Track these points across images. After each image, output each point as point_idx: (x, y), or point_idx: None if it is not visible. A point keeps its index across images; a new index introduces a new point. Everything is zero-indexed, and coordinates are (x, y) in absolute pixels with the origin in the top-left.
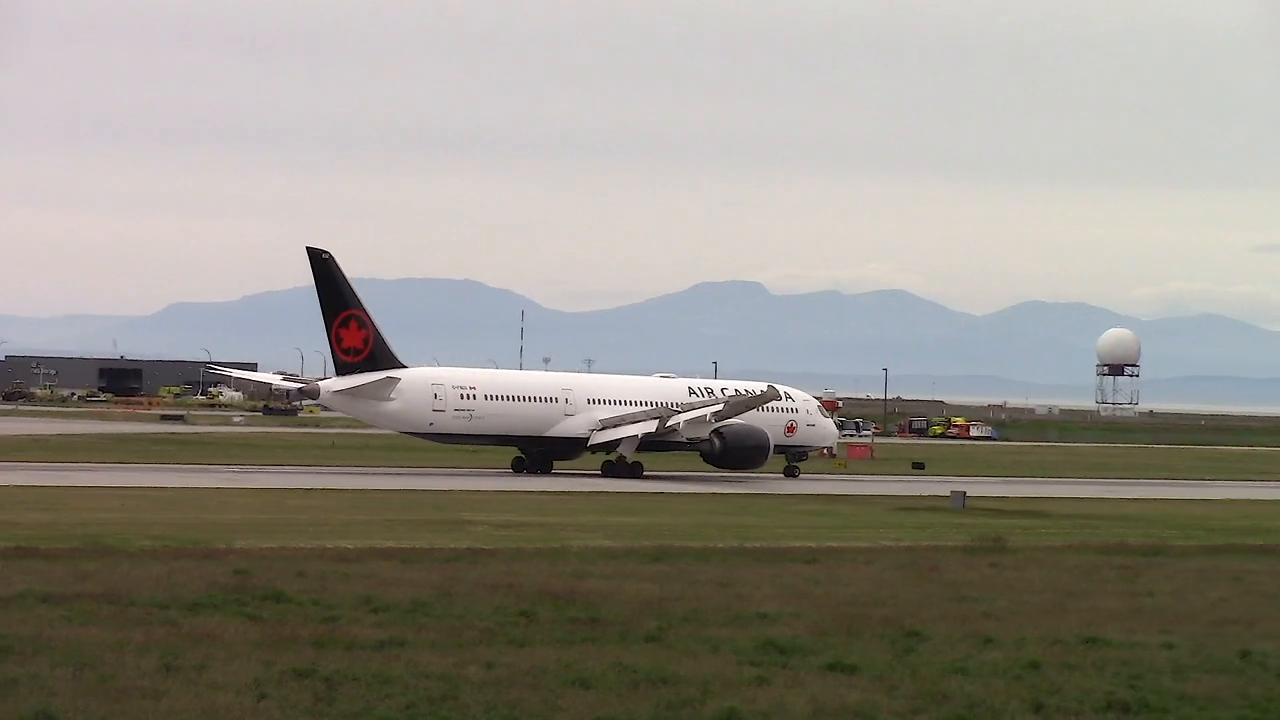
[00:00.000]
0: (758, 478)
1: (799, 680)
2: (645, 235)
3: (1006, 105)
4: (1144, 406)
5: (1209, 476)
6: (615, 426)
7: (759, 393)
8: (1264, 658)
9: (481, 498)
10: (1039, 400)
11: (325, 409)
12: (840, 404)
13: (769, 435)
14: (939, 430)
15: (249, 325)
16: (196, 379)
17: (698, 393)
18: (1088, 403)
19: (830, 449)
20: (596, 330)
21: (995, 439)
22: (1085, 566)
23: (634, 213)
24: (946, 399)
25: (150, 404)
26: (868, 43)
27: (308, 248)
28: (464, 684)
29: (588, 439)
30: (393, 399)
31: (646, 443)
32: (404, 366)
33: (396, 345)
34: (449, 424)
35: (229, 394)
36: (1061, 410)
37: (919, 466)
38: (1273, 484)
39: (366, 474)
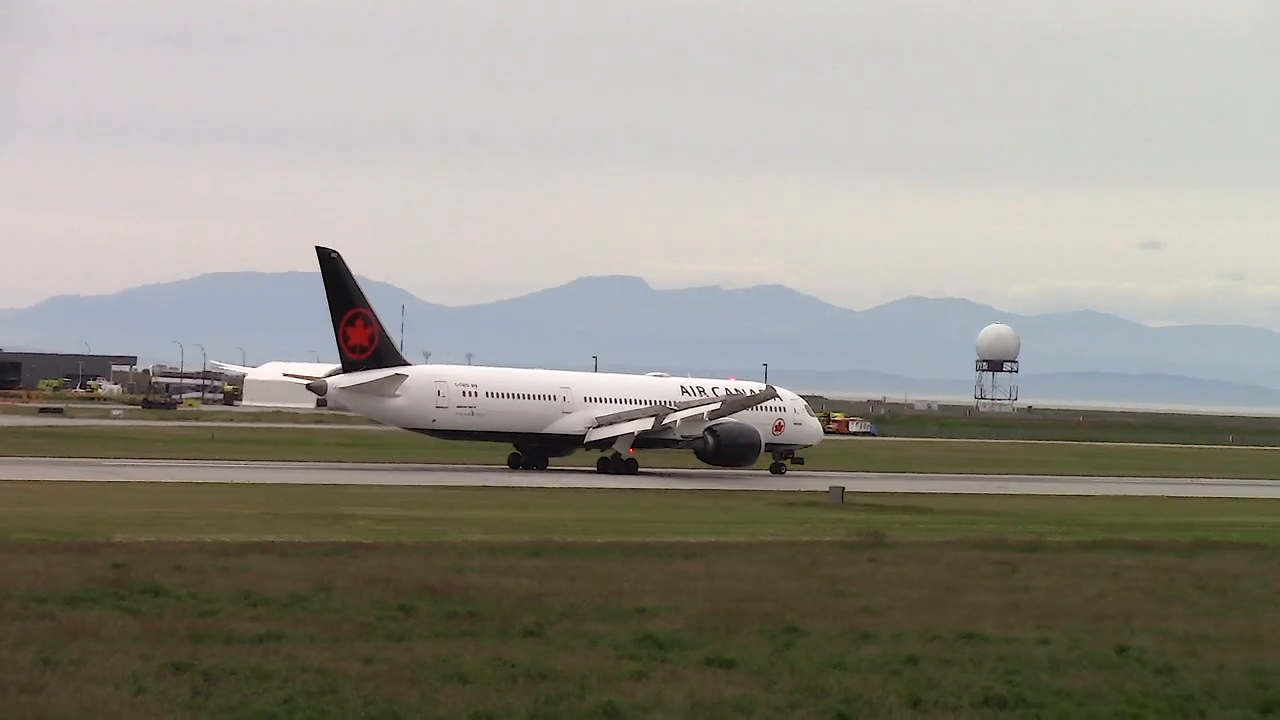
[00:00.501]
0: (748, 474)
1: (677, 675)
2: (526, 229)
3: (887, 100)
4: (1023, 402)
5: (1087, 472)
6: (612, 424)
7: (752, 392)
8: (1141, 653)
9: (364, 492)
10: (918, 396)
11: (331, 406)
12: None
13: (760, 434)
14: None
15: (129, 319)
16: (75, 372)
17: (690, 391)
18: (967, 398)
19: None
20: (478, 324)
21: (874, 434)
22: (963, 562)
23: (515, 207)
24: (826, 394)
25: (29, 397)
26: (747, 36)
27: (317, 247)
28: (342, 678)
29: (584, 436)
30: (398, 396)
31: (641, 440)
32: (408, 364)
33: (280, 338)
34: (451, 420)
35: (108, 387)
36: (941, 406)
37: (798, 462)
38: (1150, 480)
39: (248, 468)
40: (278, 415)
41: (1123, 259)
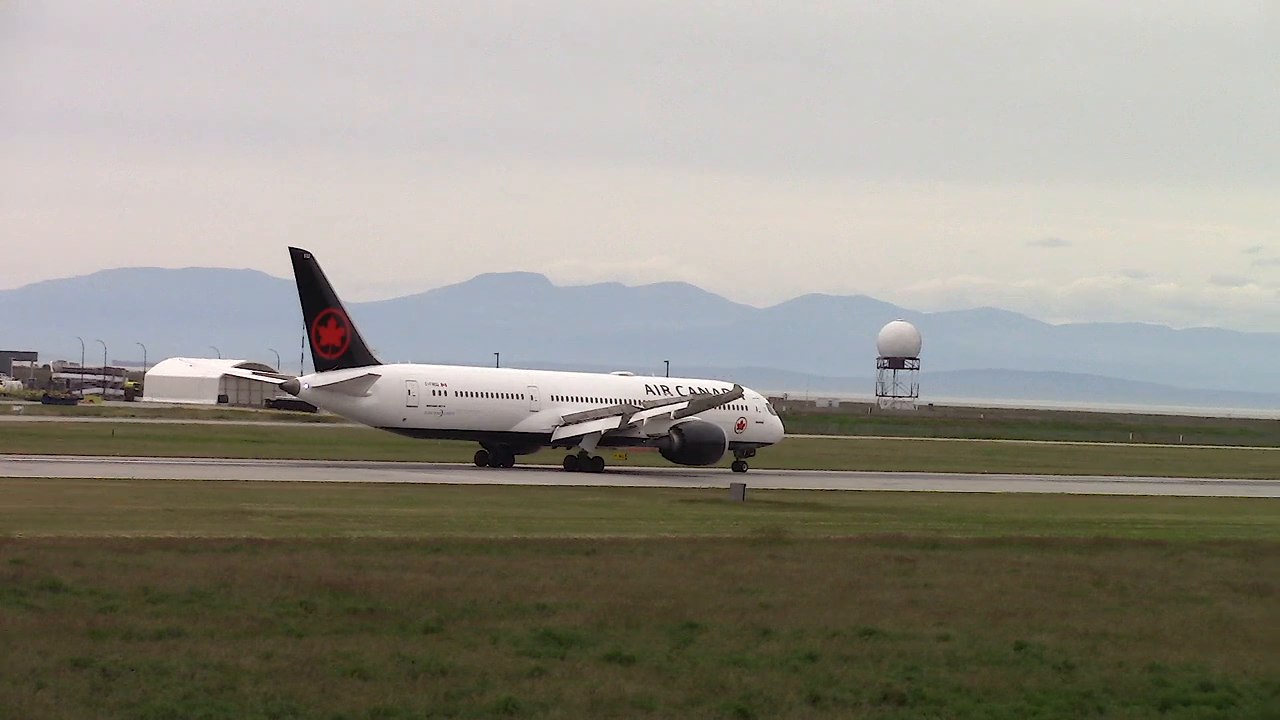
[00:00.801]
0: (710, 473)
1: (577, 671)
2: (428, 226)
3: (791, 98)
4: (924, 400)
5: (987, 470)
6: (578, 423)
7: (718, 391)
8: (1040, 650)
9: (265, 488)
10: (820, 393)
11: (305, 404)
12: None
13: (725, 432)
14: None
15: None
16: None
17: (655, 390)
18: (868, 396)
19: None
20: (379, 321)
21: None
22: (863, 559)
23: (417, 203)
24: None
25: None
26: (649, 36)
27: (290, 248)
28: (242, 674)
29: (551, 434)
30: (369, 395)
31: (608, 438)
32: (379, 363)
33: (179, 334)
34: (421, 419)
35: (8, 383)
36: (842, 403)
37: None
38: (1050, 477)
39: (149, 464)
40: (178, 411)
41: (1023, 257)
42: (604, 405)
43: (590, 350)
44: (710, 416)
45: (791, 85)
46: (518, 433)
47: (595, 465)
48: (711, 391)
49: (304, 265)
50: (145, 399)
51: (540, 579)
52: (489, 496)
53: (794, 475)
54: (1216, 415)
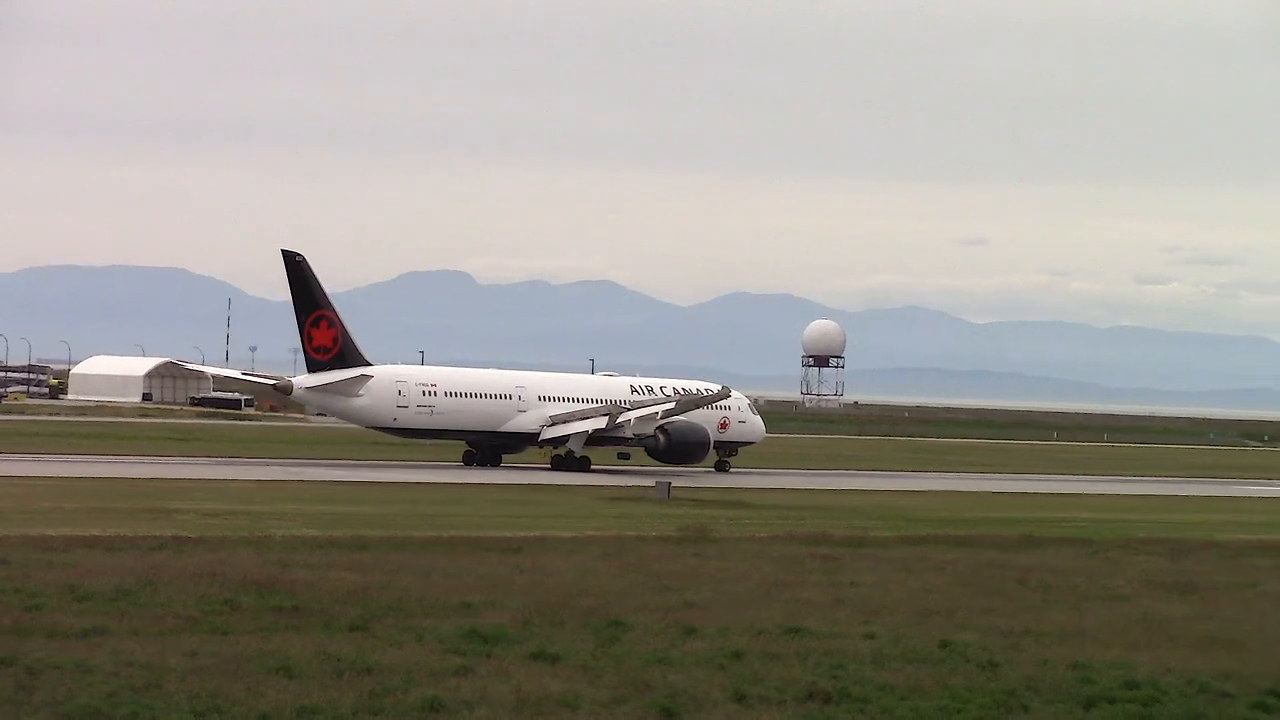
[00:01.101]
0: (694, 472)
1: (503, 669)
2: (353, 224)
3: (718, 97)
4: (849, 398)
5: (913, 468)
6: (565, 423)
7: (701, 391)
8: (964, 648)
9: (190, 486)
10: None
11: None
12: None
13: (710, 432)
14: None
15: None
16: None
17: (639, 390)
18: (793, 394)
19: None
20: None
21: None
22: (789, 557)
23: (342, 201)
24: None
25: None
26: (573, 34)
27: (282, 250)
28: (167, 672)
29: (539, 434)
30: (361, 395)
31: (594, 437)
32: (369, 364)
33: (104, 332)
34: (412, 419)
35: None
36: (767, 401)
37: (624, 457)
38: (975, 475)
39: (74, 462)
40: (102, 409)
41: (947, 255)
42: (591, 405)
43: (515, 348)
44: (694, 416)
45: (716, 83)
46: (506, 432)
47: (582, 464)
48: (695, 392)
49: (295, 267)
50: (70, 397)
51: (465, 577)
52: (413, 494)
53: (718, 473)
54: (1140, 413)
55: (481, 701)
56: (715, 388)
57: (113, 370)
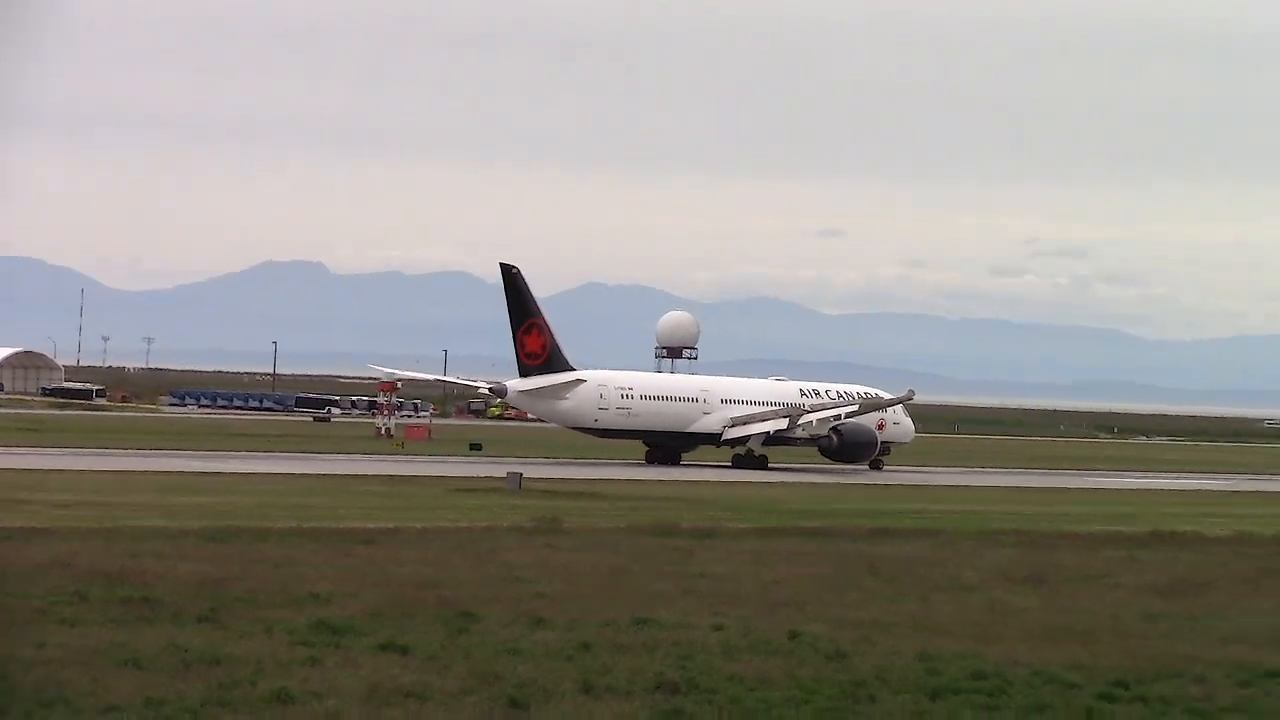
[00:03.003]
0: (857, 470)
1: (352, 661)
2: (208, 213)
3: (571, 89)
4: None
5: (770, 460)
6: (745, 424)
7: (878, 395)
8: (813, 639)
9: (42, 478)
10: None
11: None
12: (399, 385)
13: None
14: (497, 412)
15: None
16: None
17: (807, 394)
18: None
19: (386, 430)
20: (159, 310)
21: None
22: (639, 548)
23: (198, 190)
24: (506, 381)
25: None
26: (429, 25)
27: (500, 263)
28: (14, 664)
29: (720, 434)
30: (568, 399)
31: (769, 438)
32: (574, 369)
33: None
34: (612, 420)
35: None
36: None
37: (476, 448)
38: (828, 467)
39: None
40: None
41: (802, 246)
42: (769, 408)
43: (370, 339)
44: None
45: (571, 76)
46: (691, 433)
47: (761, 463)
48: (863, 395)
49: (511, 279)
50: None
51: (316, 568)
52: (269, 485)
53: (570, 465)
54: (993, 405)
55: (331, 693)
56: (884, 394)
57: None
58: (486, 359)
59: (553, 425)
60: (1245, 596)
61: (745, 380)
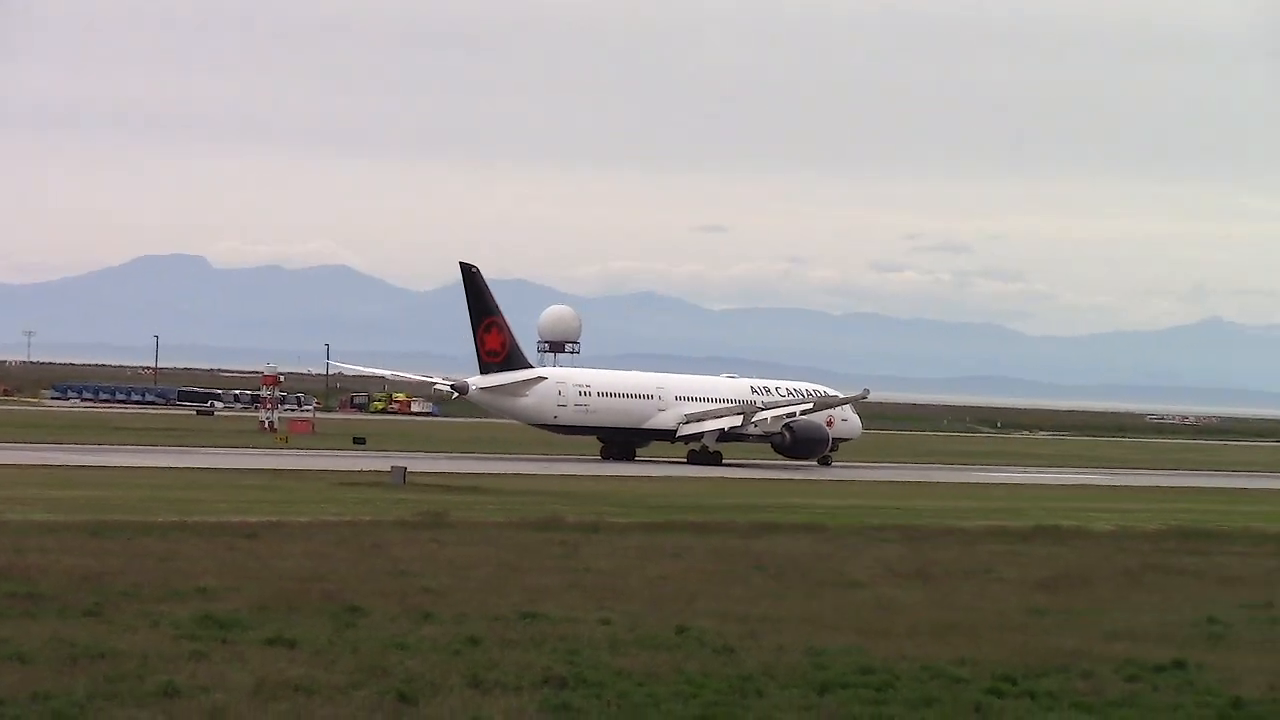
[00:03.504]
0: (807, 465)
1: (239, 655)
2: (87, 207)
3: (449, 83)
4: None
5: (649, 453)
6: (700, 420)
7: (826, 393)
8: (700, 633)
9: None
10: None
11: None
12: (281, 379)
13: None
14: (380, 406)
15: None
16: None
17: (758, 391)
18: None
19: (269, 424)
20: (37, 303)
21: (437, 415)
22: (525, 543)
23: (76, 184)
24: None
25: None
26: (307, 18)
27: (460, 262)
28: None
29: (675, 431)
30: (528, 396)
31: (722, 434)
32: (532, 367)
33: None
34: (570, 417)
35: None
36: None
37: (360, 442)
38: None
39: None
40: None
41: (684, 242)
42: (723, 404)
43: (251, 333)
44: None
45: (448, 69)
46: (648, 429)
47: (715, 459)
48: (805, 393)
49: (471, 278)
50: None
51: (201, 562)
52: (151, 479)
53: (455, 459)
54: (877, 400)
55: (218, 686)
56: (835, 392)
57: None
58: (370, 353)
59: (513, 422)
60: (1129, 591)
61: (699, 377)
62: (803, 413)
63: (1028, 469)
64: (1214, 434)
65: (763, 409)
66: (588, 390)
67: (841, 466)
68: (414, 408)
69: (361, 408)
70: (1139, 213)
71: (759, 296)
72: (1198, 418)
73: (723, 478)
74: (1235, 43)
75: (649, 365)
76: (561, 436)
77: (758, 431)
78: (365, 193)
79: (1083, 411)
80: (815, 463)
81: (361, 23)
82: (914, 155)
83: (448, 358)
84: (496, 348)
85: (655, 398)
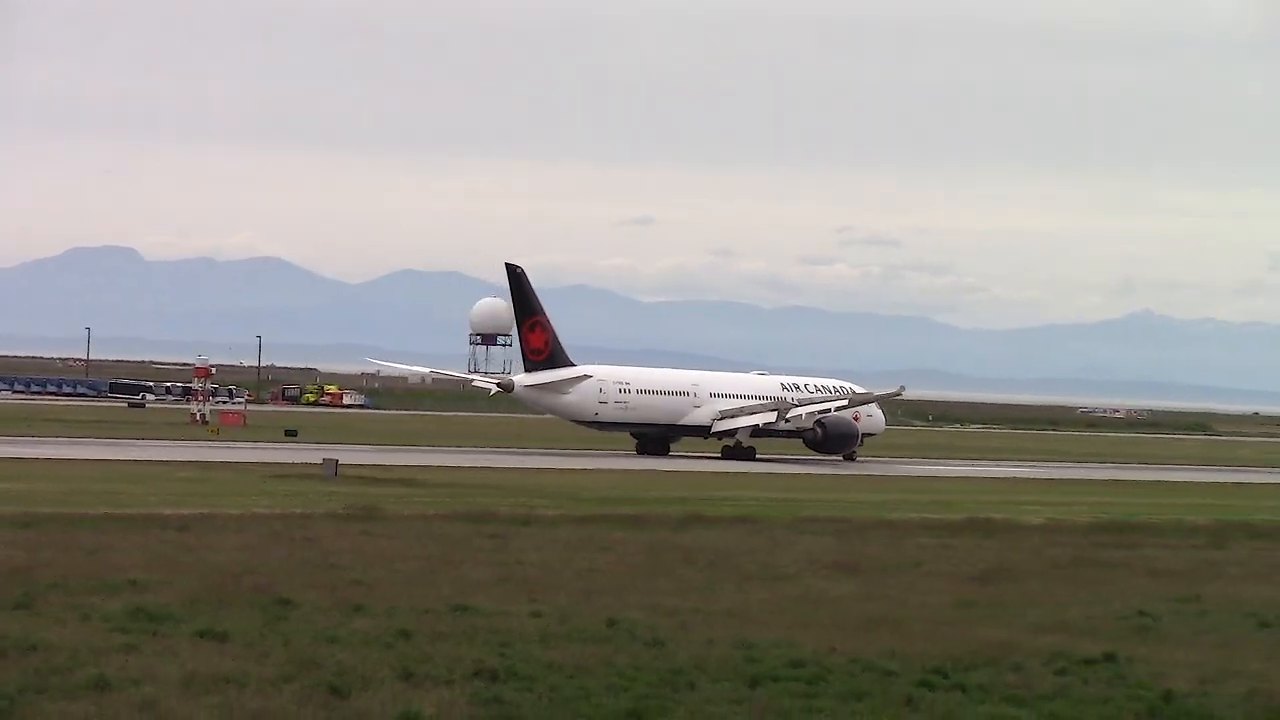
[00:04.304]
0: (838, 460)
1: (170, 648)
2: (16, 199)
3: (375, 77)
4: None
5: (579, 447)
6: (733, 417)
7: (854, 390)
8: (631, 626)
9: None
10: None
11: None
12: (213, 371)
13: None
14: (312, 398)
15: None
16: None
17: (788, 387)
18: (461, 372)
19: (201, 416)
20: None
21: (369, 407)
22: (456, 535)
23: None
24: (320, 367)
25: None
26: (238, 12)
27: (506, 263)
28: None
29: (709, 427)
30: (570, 393)
31: (756, 429)
32: (574, 365)
33: None
34: (611, 414)
35: None
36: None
37: (292, 434)
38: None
39: None
40: None
41: (614, 235)
42: (758, 401)
43: (183, 326)
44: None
45: (376, 64)
46: (684, 425)
47: (749, 454)
48: (834, 390)
49: (516, 278)
50: None
51: (132, 555)
52: (81, 471)
53: (387, 451)
54: None
55: (148, 679)
56: (859, 388)
57: None
58: (301, 346)
59: (555, 417)
60: (1058, 584)
61: (731, 374)
62: (837, 409)
63: (959, 462)
64: (1144, 427)
65: (797, 405)
66: (627, 388)
67: (864, 460)
68: (346, 400)
69: (294, 400)
70: (1068, 207)
71: (689, 289)
72: (1129, 411)
73: (660, 469)
74: (1164, 38)
75: (578, 357)
76: (601, 432)
77: (789, 427)
78: (297, 184)
79: (1014, 405)
80: (841, 458)
81: (287, 16)
82: (843, 149)
83: (383, 349)
84: (540, 346)
85: (690, 395)
